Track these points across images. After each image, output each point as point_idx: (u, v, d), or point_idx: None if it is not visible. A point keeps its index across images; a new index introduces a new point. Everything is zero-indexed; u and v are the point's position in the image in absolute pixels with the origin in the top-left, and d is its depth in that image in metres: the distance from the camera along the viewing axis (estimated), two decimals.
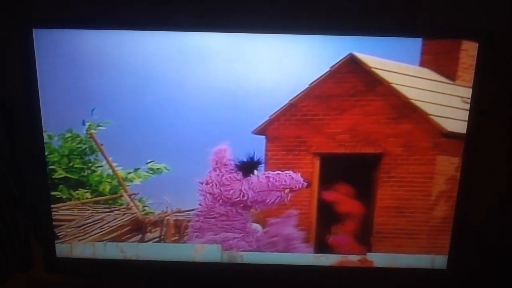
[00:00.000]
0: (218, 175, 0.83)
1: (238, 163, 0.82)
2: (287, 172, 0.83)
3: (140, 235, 0.88)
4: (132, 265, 0.91)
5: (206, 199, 0.85)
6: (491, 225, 0.96)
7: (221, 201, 0.84)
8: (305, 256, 0.87)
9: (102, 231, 0.89)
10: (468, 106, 0.78)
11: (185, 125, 0.81)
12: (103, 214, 0.88)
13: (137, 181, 0.85)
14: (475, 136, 0.80)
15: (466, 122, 0.78)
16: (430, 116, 0.78)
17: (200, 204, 0.85)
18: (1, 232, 0.94)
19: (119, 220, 0.88)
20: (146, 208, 0.86)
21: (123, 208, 0.87)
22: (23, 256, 0.98)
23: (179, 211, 0.86)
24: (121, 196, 0.86)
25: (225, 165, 0.82)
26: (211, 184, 0.84)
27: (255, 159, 0.82)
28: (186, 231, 0.87)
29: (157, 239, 0.88)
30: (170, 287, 1.00)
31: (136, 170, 0.84)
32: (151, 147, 0.82)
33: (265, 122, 0.80)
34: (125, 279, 0.98)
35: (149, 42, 0.77)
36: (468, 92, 0.77)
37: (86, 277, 0.98)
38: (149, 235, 0.88)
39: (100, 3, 0.87)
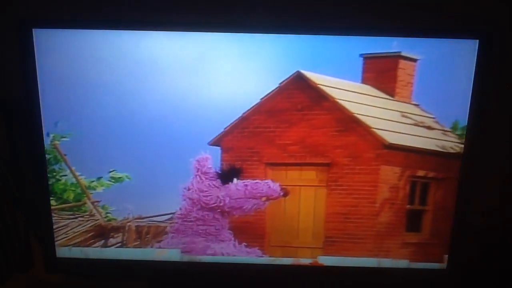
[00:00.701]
0: (198, 182, 0.88)
1: (220, 171, 0.87)
2: (265, 181, 0.88)
3: (103, 240, 0.93)
4: (132, 265, 0.94)
5: (186, 203, 0.89)
6: (491, 225, 0.98)
7: (199, 206, 0.89)
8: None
9: (67, 237, 0.93)
10: (407, 120, 0.84)
11: (144, 136, 0.85)
12: (68, 221, 0.92)
13: (99, 189, 0.89)
14: (475, 136, 0.83)
15: (406, 135, 0.84)
16: (373, 129, 0.84)
17: (180, 208, 0.89)
18: (1, 232, 0.94)
19: (83, 226, 0.92)
20: (108, 214, 0.91)
21: (87, 215, 0.91)
22: (23, 256, 0.99)
23: (140, 218, 0.91)
24: (85, 203, 0.90)
25: (206, 173, 0.87)
26: (191, 190, 0.88)
27: (236, 167, 0.87)
28: (147, 236, 0.92)
29: (120, 244, 0.93)
30: (170, 287, 1.02)
31: (98, 179, 0.88)
32: (113, 157, 0.87)
33: (220, 134, 0.85)
34: (125, 279, 0.99)
35: (108, 54, 0.81)
36: (406, 107, 0.83)
37: (86, 277, 1.00)
38: (111, 240, 0.93)
39: (100, 3, 0.88)
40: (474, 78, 0.81)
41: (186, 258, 0.92)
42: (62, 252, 0.93)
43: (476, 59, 0.80)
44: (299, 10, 0.88)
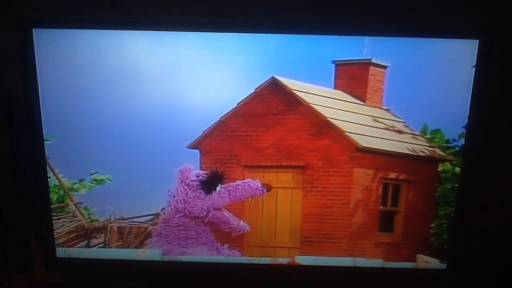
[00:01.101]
0: (182, 192, 0.90)
1: (202, 182, 0.89)
2: (245, 181, 0.91)
3: (86, 241, 0.95)
4: (132, 265, 0.95)
5: (170, 209, 0.92)
6: (491, 225, 0.99)
7: (183, 213, 0.92)
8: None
9: None
10: (378, 125, 0.87)
11: (125, 139, 0.88)
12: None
13: (82, 191, 0.91)
14: (475, 136, 0.84)
15: (378, 138, 0.87)
16: (346, 133, 0.87)
17: (163, 212, 0.92)
18: (1, 232, 0.94)
19: (66, 227, 0.95)
20: (91, 216, 0.93)
21: (70, 216, 0.93)
22: (23, 256, 0.99)
23: (122, 218, 0.93)
24: (68, 205, 0.93)
25: (189, 185, 0.90)
26: (176, 199, 0.91)
27: (218, 175, 0.89)
28: (129, 236, 0.95)
29: (102, 244, 0.95)
30: (170, 287, 1.03)
31: (81, 181, 0.91)
32: (95, 159, 0.89)
33: (198, 137, 0.87)
34: (125, 279, 1.00)
35: (89, 58, 0.83)
36: (377, 112, 0.86)
37: (86, 277, 1.00)
38: (94, 241, 0.95)
39: (100, 3, 0.89)
40: (474, 78, 0.82)
41: (167, 258, 0.95)
42: (62, 252, 0.95)
43: (476, 59, 0.82)
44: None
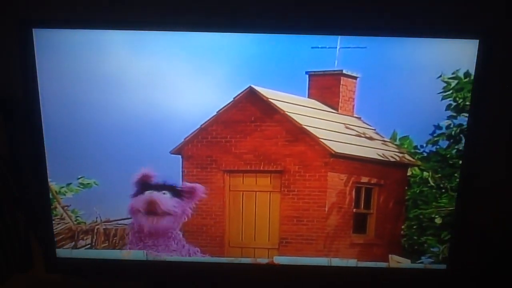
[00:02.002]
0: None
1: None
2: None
3: (73, 242, 0.99)
4: (132, 265, 0.97)
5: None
6: (491, 225, 1.00)
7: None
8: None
9: None
10: (350, 132, 0.92)
11: (111, 145, 0.92)
12: None
13: (69, 195, 0.96)
14: (475, 136, 0.86)
15: (350, 145, 0.92)
16: (320, 140, 0.92)
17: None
18: (1, 232, 0.96)
19: (54, 229, 0.98)
20: (78, 218, 0.97)
21: (58, 218, 0.97)
22: (23, 256, 1.00)
23: (108, 221, 0.98)
24: (55, 207, 0.97)
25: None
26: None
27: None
28: (115, 238, 0.99)
29: (89, 245, 0.99)
30: (170, 287, 1.06)
31: (68, 184, 0.95)
32: (81, 164, 0.94)
33: (180, 143, 0.92)
34: (125, 279, 1.02)
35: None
36: (349, 120, 0.91)
37: (86, 277, 1.02)
38: (81, 242, 0.99)
39: (100, 3, 0.91)
40: (474, 78, 0.85)
41: (151, 257, 0.99)
42: (62, 252, 0.98)
43: (476, 59, 0.84)
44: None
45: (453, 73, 0.85)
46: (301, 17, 0.94)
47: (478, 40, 0.84)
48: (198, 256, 0.98)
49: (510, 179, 1.03)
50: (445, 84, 0.86)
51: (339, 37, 0.85)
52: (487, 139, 0.92)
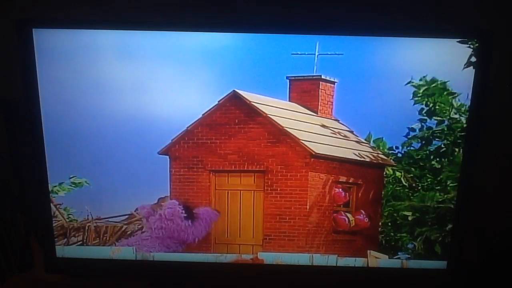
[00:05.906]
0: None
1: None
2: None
3: (66, 239, 1.03)
4: (132, 265, 1.00)
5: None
6: (491, 225, 1.00)
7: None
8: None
9: None
10: (329, 133, 0.97)
11: (102, 145, 0.96)
12: None
13: (61, 193, 1.00)
14: (475, 136, 0.87)
15: (329, 146, 0.97)
16: (301, 141, 0.97)
17: (137, 213, 1.01)
18: (1, 232, 0.97)
19: None
20: (70, 216, 1.02)
21: None
22: (23, 256, 1.02)
23: (99, 219, 1.02)
24: None
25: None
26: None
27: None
28: (105, 235, 1.03)
29: (80, 242, 1.04)
30: (170, 287, 1.08)
31: (60, 184, 0.99)
32: (73, 164, 0.98)
33: (168, 144, 0.97)
34: (125, 279, 1.03)
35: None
36: (328, 122, 0.96)
37: (86, 277, 1.03)
38: (73, 239, 1.03)
39: (100, 3, 0.93)
40: (474, 78, 0.86)
41: (140, 256, 1.04)
42: (62, 252, 1.02)
43: (476, 59, 0.85)
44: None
45: (420, 79, 0.90)
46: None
47: (476, 40, 0.84)
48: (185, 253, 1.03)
49: (510, 179, 1.04)
50: (415, 89, 0.91)
51: (318, 43, 0.90)
52: (487, 139, 0.92)
